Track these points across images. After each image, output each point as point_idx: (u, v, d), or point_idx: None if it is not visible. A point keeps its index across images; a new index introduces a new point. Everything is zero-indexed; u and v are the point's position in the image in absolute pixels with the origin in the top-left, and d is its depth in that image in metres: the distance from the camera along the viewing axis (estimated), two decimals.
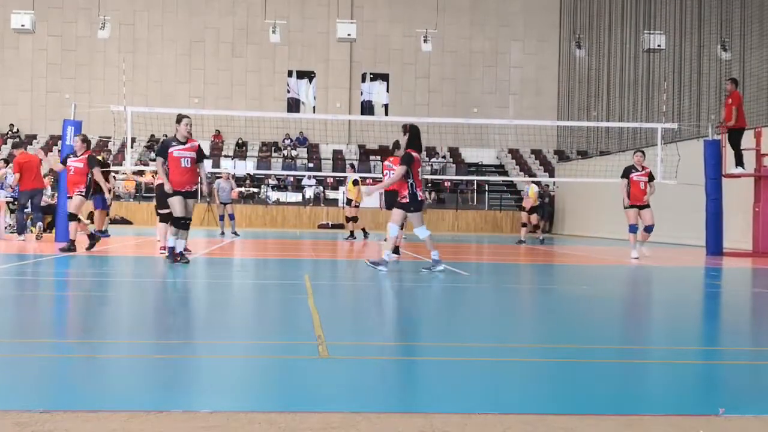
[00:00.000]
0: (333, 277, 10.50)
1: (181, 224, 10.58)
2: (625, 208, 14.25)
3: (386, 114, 36.57)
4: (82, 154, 12.87)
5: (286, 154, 37.35)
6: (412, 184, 10.08)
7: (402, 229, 10.55)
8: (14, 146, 27.35)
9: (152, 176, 25.98)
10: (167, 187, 10.60)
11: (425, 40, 31.68)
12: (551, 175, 35.24)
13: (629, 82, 36.16)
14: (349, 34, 30.73)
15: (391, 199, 12.62)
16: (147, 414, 3.05)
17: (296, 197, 33.87)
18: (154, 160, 34.02)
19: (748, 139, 16.72)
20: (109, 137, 28.65)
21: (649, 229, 14.17)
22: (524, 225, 21.27)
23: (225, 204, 21.01)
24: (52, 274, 9.54)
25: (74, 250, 12.33)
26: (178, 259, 10.44)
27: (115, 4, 37.52)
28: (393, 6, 39.76)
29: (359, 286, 8.67)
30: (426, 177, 34.75)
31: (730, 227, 17.74)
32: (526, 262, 14.15)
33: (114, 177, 20.88)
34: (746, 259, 15.29)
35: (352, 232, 20.74)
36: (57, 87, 38.59)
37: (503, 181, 35.19)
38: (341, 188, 31.35)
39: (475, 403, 3.38)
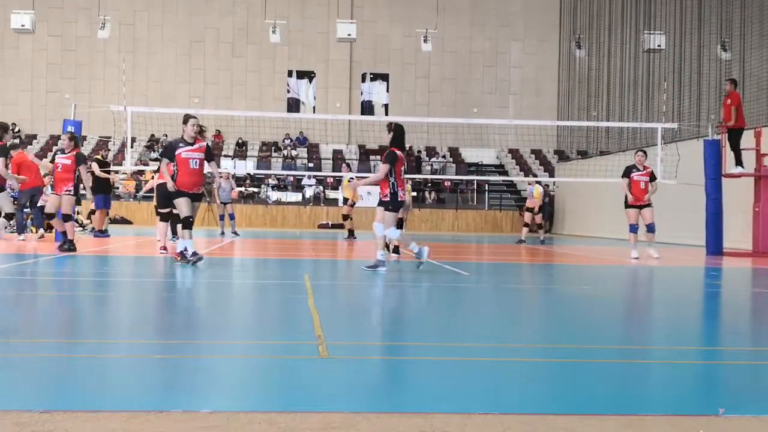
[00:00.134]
0: (333, 277, 10.50)
1: (189, 223, 10.41)
2: (626, 207, 14.26)
3: (386, 114, 36.55)
4: (69, 152, 12.88)
5: (286, 154, 37.35)
6: (393, 183, 10.09)
7: (402, 228, 10.56)
8: (11, 147, 27.31)
9: (152, 176, 25.96)
10: (170, 185, 10.42)
11: (425, 40, 31.67)
12: (551, 175, 35.24)
13: (629, 82, 36.15)
14: (349, 34, 30.73)
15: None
16: (147, 414, 3.05)
17: (296, 197, 33.88)
18: (154, 160, 34.01)
19: (748, 139, 16.72)
20: (109, 137, 28.64)
21: (651, 228, 14.17)
22: (526, 225, 21.24)
23: (225, 204, 21.04)
24: (51, 273, 9.54)
25: (74, 249, 12.34)
26: (193, 259, 10.21)
27: (115, 4, 37.52)
28: (393, 6, 39.76)
29: (359, 286, 8.67)
30: (426, 177, 34.86)
31: (730, 227, 17.74)
32: (526, 262, 14.15)
33: (114, 173, 20.89)
34: (746, 259, 15.29)
35: (351, 232, 20.75)
36: (57, 87, 38.59)
37: (503, 181, 35.19)
38: (341, 188, 31.35)
39: (475, 403, 3.37)
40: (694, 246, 19.22)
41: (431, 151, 39.04)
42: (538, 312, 7.21)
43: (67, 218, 12.69)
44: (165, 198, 12.80)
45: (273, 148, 37.90)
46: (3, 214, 14.26)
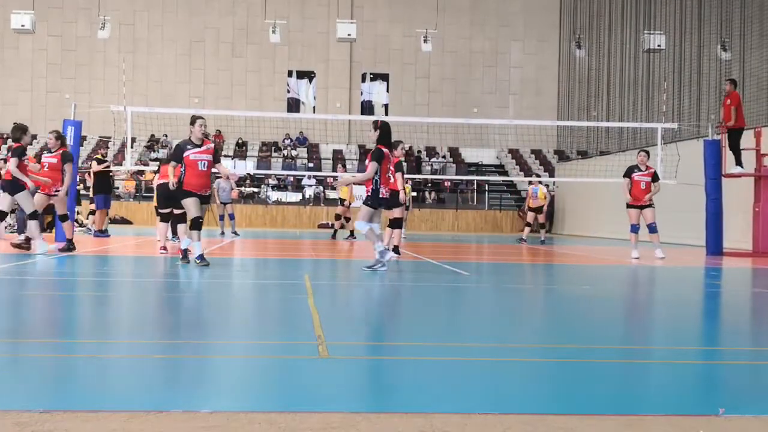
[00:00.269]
0: (333, 277, 10.49)
1: (199, 224, 10.33)
2: (627, 207, 14.26)
3: (386, 114, 36.56)
4: (56, 151, 12.49)
5: (286, 154, 37.36)
6: (377, 180, 10.06)
7: (402, 228, 10.54)
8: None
9: (152, 176, 25.95)
10: (172, 182, 10.33)
11: (425, 40, 31.67)
12: (551, 175, 35.24)
13: (629, 82, 36.15)
14: (349, 34, 30.72)
15: (391, 199, 12.58)
16: (147, 414, 3.05)
17: (296, 197, 33.89)
18: (154, 160, 33.98)
19: (747, 139, 16.72)
20: (109, 137, 28.66)
21: (652, 228, 14.16)
22: (528, 224, 21.22)
23: (225, 204, 21.07)
24: (51, 273, 9.54)
25: (74, 249, 12.31)
26: (199, 263, 10.09)
27: (115, 4, 37.52)
28: (393, 6, 39.76)
29: (359, 286, 8.67)
30: (426, 177, 34.87)
31: (730, 227, 17.74)
32: (526, 262, 14.15)
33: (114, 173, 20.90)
34: (746, 259, 15.29)
35: (351, 232, 20.76)
36: (57, 87, 38.60)
37: (503, 181, 35.19)
38: (337, 189, 31.34)
39: (475, 403, 3.37)
40: (694, 246, 19.22)
41: (431, 151, 39.05)
42: (538, 312, 7.21)
43: (63, 218, 12.54)
44: (165, 198, 12.81)
45: (273, 148, 37.90)
46: None
